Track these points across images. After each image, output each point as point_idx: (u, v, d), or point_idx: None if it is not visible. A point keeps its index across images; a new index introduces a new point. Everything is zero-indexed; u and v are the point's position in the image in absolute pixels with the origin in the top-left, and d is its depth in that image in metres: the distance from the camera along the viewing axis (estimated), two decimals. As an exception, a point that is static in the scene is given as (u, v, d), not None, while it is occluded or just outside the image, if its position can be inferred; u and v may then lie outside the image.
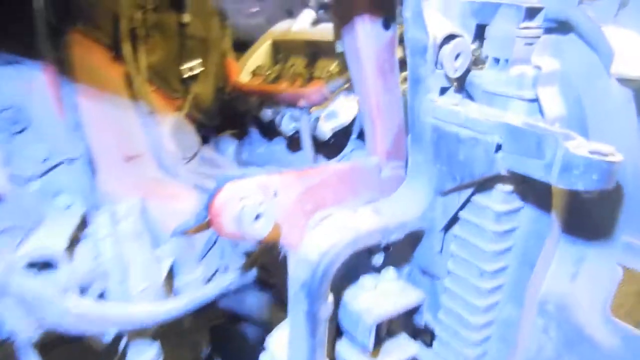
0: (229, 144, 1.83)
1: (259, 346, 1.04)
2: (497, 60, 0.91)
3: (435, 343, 1.10)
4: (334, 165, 1.04)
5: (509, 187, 0.89)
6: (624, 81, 0.85)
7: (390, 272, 1.02)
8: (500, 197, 0.90)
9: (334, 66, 1.58)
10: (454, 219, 0.97)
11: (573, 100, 0.89)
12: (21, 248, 0.97)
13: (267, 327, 1.18)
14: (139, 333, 1.07)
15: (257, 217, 0.84)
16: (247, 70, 1.88)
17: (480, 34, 0.94)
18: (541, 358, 0.99)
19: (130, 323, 1.01)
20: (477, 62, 0.96)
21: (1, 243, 1.00)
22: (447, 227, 0.99)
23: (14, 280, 0.90)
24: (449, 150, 0.91)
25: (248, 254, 1.26)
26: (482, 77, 0.93)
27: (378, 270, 1.02)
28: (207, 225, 0.93)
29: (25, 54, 1.14)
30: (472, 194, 0.92)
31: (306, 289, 0.86)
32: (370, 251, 0.98)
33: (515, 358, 1.02)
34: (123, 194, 1.23)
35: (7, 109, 1.11)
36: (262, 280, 1.29)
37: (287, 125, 1.53)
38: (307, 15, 1.91)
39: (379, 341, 1.01)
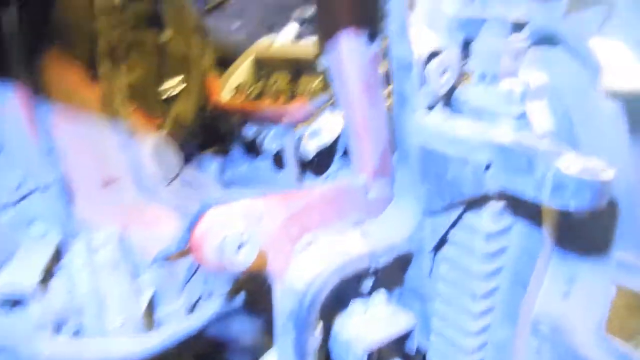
0: (212, 163, 1.79)
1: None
2: (484, 76, 0.89)
3: (428, 367, 1.06)
4: (320, 187, 1.01)
5: (498, 206, 0.87)
6: (612, 94, 0.84)
7: (380, 295, 0.99)
8: (490, 217, 0.87)
9: (317, 82, 1.56)
10: (444, 240, 0.95)
11: (562, 115, 0.87)
12: (-9, 283, 0.92)
13: (254, 356, 1.13)
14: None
15: (240, 246, 0.80)
16: (229, 87, 1.85)
17: (466, 48, 0.92)
18: (537, 380, 0.96)
19: (109, 361, 0.96)
20: (463, 76, 0.95)
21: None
22: (437, 248, 0.96)
23: (-17, 319, 0.85)
24: (436, 170, 0.88)
25: (233, 280, 1.22)
26: (469, 93, 0.91)
27: (367, 294, 0.99)
28: (189, 250, 0.89)
29: (-3, 76, 1.10)
30: (462, 214, 0.89)
31: (293, 320, 0.82)
32: (359, 276, 0.94)
33: (510, 381, 0.99)
34: (101, 221, 1.19)
35: (-23, 134, 1.06)
36: (249, 306, 1.25)
37: (270, 143, 1.50)
38: (290, 30, 1.89)
39: (370, 369, 0.97)
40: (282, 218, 0.89)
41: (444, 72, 0.89)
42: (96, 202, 1.22)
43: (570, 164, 0.70)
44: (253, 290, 1.20)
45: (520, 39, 0.87)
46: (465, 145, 0.83)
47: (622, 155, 0.81)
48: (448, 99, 0.93)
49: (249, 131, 1.61)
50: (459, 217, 0.90)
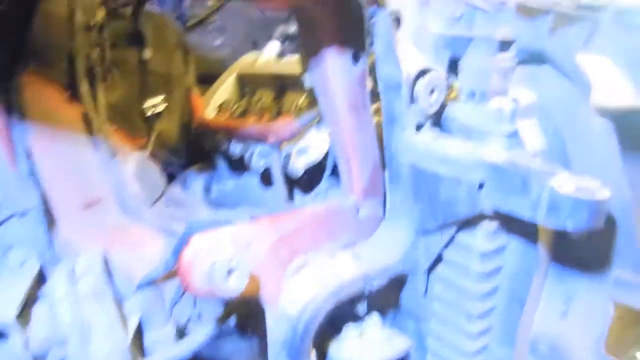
0: (197, 181, 1.76)
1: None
2: (473, 94, 0.88)
3: (424, 389, 1.04)
4: (309, 208, 0.98)
5: (493, 225, 0.85)
6: (601, 111, 0.83)
7: (374, 318, 0.96)
8: (485, 236, 0.86)
9: (302, 99, 1.54)
10: (438, 260, 0.93)
11: (552, 133, 0.87)
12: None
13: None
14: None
15: (230, 272, 0.77)
16: (213, 105, 1.83)
17: (453, 67, 0.92)
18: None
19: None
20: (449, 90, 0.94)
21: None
22: (431, 269, 0.95)
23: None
24: (429, 189, 0.87)
25: (224, 303, 1.19)
26: (458, 111, 0.90)
27: (361, 317, 0.96)
28: (176, 273, 0.86)
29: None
30: (456, 233, 0.88)
31: (287, 349, 0.80)
32: (352, 299, 0.92)
33: (508, 402, 0.97)
34: (84, 243, 1.15)
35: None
36: (241, 329, 1.21)
37: (257, 162, 1.47)
38: (273, 46, 1.87)
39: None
40: (271, 241, 0.87)
41: (432, 90, 0.88)
42: (78, 224, 1.18)
43: (564, 183, 0.69)
44: (245, 314, 1.16)
45: (507, 57, 0.87)
46: (457, 165, 0.82)
47: (615, 172, 0.81)
48: (437, 118, 0.92)
49: (235, 149, 1.59)
50: (453, 237, 0.88)
